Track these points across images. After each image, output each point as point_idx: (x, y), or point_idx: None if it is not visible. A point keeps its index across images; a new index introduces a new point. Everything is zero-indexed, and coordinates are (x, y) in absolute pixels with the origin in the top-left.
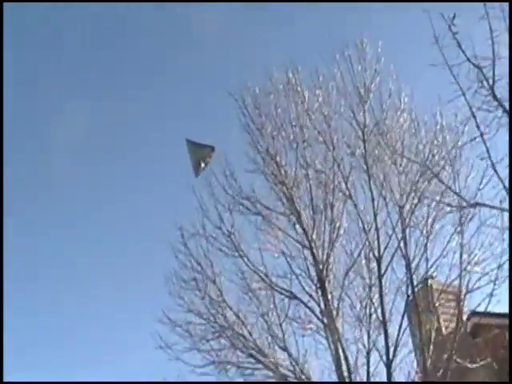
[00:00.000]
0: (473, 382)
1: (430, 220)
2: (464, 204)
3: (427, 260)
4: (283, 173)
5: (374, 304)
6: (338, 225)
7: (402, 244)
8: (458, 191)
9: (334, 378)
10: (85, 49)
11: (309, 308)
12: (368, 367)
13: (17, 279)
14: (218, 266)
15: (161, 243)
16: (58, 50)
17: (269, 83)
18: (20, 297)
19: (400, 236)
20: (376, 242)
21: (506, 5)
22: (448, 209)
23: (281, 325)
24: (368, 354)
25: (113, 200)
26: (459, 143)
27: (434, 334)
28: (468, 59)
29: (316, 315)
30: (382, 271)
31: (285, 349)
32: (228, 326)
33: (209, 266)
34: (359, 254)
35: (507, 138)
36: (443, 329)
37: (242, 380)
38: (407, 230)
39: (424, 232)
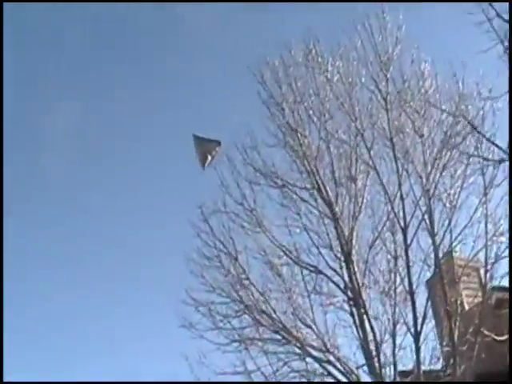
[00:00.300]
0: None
1: (454, 190)
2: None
3: (451, 231)
4: (305, 146)
5: (400, 274)
6: (361, 197)
7: (426, 216)
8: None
9: (360, 354)
10: (84, 49)
11: (333, 282)
12: (394, 340)
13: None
14: (240, 243)
15: (182, 222)
16: (56, 49)
17: (288, 56)
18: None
19: (424, 208)
20: (401, 212)
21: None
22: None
23: (308, 299)
24: (394, 327)
25: (134, 178)
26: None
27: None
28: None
29: (341, 289)
30: (408, 241)
31: (310, 325)
32: (252, 304)
33: (231, 243)
34: (384, 225)
35: None
36: (465, 303)
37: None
38: (431, 201)
39: (448, 203)
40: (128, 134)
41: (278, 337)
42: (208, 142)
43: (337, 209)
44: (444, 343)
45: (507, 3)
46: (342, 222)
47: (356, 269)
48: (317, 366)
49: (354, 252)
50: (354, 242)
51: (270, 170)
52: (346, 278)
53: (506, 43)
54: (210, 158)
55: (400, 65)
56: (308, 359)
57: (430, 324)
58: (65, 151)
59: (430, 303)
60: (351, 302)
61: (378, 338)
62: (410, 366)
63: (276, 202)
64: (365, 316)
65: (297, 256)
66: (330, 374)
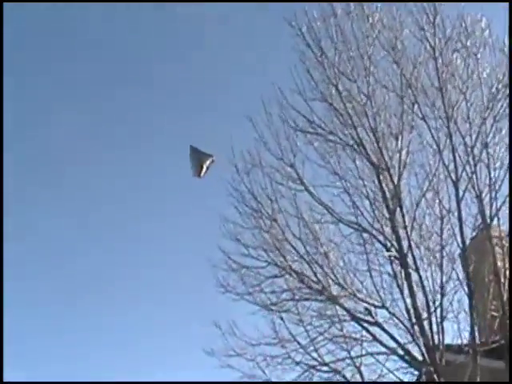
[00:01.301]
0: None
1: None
2: None
3: (496, 198)
4: (347, 100)
5: (453, 232)
6: (406, 153)
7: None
8: None
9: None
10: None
11: (379, 241)
12: (441, 301)
13: None
14: (278, 203)
15: (215, 180)
16: (57, 49)
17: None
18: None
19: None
20: (452, 164)
21: None
22: None
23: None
24: (442, 288)
25: (168, 136)
26: None
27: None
28: None
29: (387, 248)
30: (460, 195)
31: (352, 287)
32: (288, 267)
33: (268, 203)
34: (431, 180)
35: None
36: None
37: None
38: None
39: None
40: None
41: (317, 302)
42: (203, 154)
43: (381, 165)
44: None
45: (507, 3)
46: (387, 179)
47: (402, 227)
48: (357, 333)
49: (399, 210)
50: (399, 198)
51: (310, 125)
52: (391, 237)
53: None
54: (205, 168)
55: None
56: (348, 325)
57: None
58: None
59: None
60: (397, 262)
61: (429, 299)
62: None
63: (314, 163)
64: (413, 277)
65: (339, 214)
66: (374, 339)
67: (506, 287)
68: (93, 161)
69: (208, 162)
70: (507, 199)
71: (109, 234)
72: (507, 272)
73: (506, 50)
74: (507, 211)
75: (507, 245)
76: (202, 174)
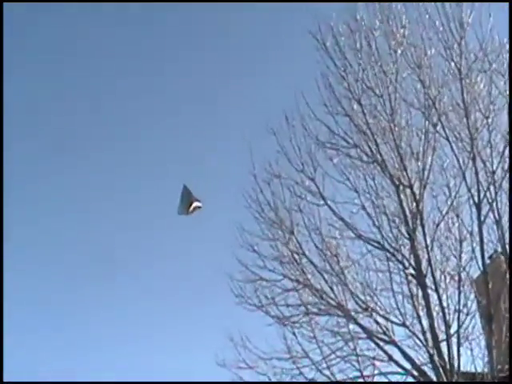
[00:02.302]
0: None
1: None
2: None
3: None
4: (369, 116)
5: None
6: (428, 172)
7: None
8: None
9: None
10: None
11: (398, 260)
12: (459, 324)
13: None
14: (296, 217)
15: (233, 191)
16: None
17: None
18: None
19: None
20: (476, 186)
21: None
22: None
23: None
24: (459, 311)
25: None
26: None
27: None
28: None
29: (405, 267)
30: (483, 218)
31: (368, 307)
32: (307, 281)
33: (287, 216)
34: (452, 202)
35: None
36: None
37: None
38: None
39: None
40: None
41: (332, 318)
42: (193, 196)
43: (403, 182)
44: None
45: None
46: (407, 197)
47: (422, 247)
48: (370, 351)
49: (420, 229)
50: (421, 218)
51: (333, 137)
52: (409, 256)
53: None
54: (193, 206)
55: (475, 32)
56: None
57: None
58: None
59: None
60: (415, 281)
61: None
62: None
63: (334, 179)
64: (431, 298)
65: (358, 231)
66: (390, 358)
67: None
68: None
69: (197, 204)
70: None
71: (121, 241)
72: None
73: None
74: None
75: None
76: (191, 209)
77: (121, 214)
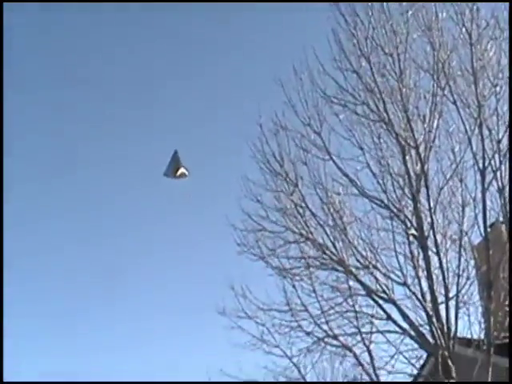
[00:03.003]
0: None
1: None
2: None
3: None
4: (377, 75)
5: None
6: (434, 135)
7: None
8: None
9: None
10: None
11: (400, 220)
12: (458, 288)
13: None
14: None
15: (239, 141)
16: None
17: None
18: None
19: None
20: (481, 153)
21: None
22: None
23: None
24: (458, 276)
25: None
26: None
27: None
28: None
29: (407, 227)
30: (486, 185)
31: (370, 264)
32: (309, 235)
33: (291, 168)
34: (457, 166)
35: None
36: None
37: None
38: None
39: None
40: None
41: (332, 274)
42: (181, 163)
43: (410, 143)
44: None
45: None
46: (412, 158)
47: (426, 209)
48: (369, 309)
49: (425, 191)
50: (425, 179)
51: (342, 92)
52: (412, 217)
53: None
54: (180, 172)
55: None
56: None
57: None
58: None
59: None
60: (416, 243)
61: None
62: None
63: (339, 135)
64: (432, 261)
65: (362, 188)
66: (389, 317)
67: None
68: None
69: (183, 170)
70: None
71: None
72: None
73: None
74: None
75: None
76: (176, 175)
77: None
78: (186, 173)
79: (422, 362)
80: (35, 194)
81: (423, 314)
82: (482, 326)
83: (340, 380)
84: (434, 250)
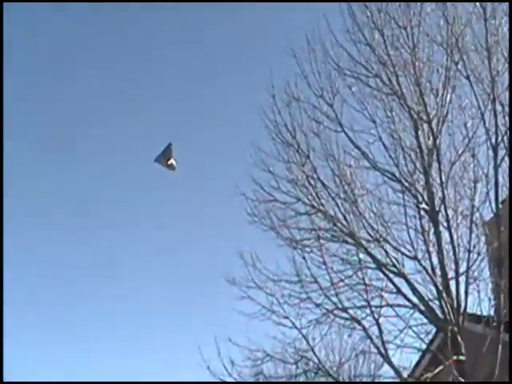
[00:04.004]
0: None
1: None
2: None
3: None
4: (390, 48)
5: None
6: (447, 109)
7: None
8: None
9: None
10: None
11: (412, 194)
12: (468, 263)
13: None
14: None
15: (251, 111)
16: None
17: None
18: None
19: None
20: (494, 128)
21: None
22: None
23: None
24: (469, 251)
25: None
26: None
27: None
28: None
29: (418, 201)
30: (499, 161)
31: (381, 238)
32: (320, 206)
33: (303, 139)
34: (469, 142)
35: None
36: None
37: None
38: None
39: None
40: None
41: (343, 246)
42: (172, 155)
43: (422, 117)
44: None
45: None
46: (425, 132)
47: (437, 183)
48: (379, 282)
49: (437, 165)
50: (438, 154)
51: (355, 65)
52: (423, 191)
53: None
54: (169, 162)
55: None
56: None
57: None
58: None
59: None
60: (427, 217)
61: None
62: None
63: (352, 107)
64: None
65: (374, 161)
66: (399, 291)
67: None
68: None
69: (173, 161)
70: None
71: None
72: None
73: None
74: None
75: None
76: (165, 164)
77: None
78: (175, 165)
79: (430, 336)
80: (33, 191)
81: (433, 289)
82: (492, 302)
83: (348, 352)
84: (445, 224)
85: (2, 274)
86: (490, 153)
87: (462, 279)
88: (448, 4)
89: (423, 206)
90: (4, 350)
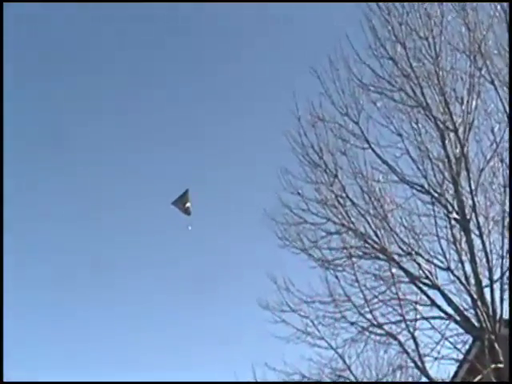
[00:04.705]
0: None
1: None
2: None
3: None
4: (413, 60)
5: None
6: (473, 116)
7: None
8: None
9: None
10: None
11: (442, 204)
12: (502, 269)
13: None
14: (340, 160)
15: (277, 134)
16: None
17: None
18: None
19: None
20: None
21: None
22: None
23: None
24: (502, 258)
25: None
26: None
27: None
28: None
29: (448, 211)
30: None
31: (412, 251)
32: (351, 224)
33: (330, 159)
34: (496, 149)
35: None
36: None
37: None
38: None
39: None
40: None
41: (375, 262)
42: (189, 200)
43: (449, 126)
44: None
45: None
46: (451, 141)
47: (467, 191)
48: (413, 296)
49: (465, 173)
50: (466, 162)
51: (378, 80)
52: (453, 201)
53: None
54: (186, 206)
55: None
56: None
57: None
58: None
59: None
60: (458, 226)
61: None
62: None
63: (377, 122)
64: (475, 243)
65: (402, 174)
66: (433, 303)
67: None
68: None
69: (189, 205)
70: None
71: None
72: None
73: None
74: None
75: None
76: (181, 207)
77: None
78: (191, 210)
79: (467, 346)
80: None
81: (468, 298)
82: None
83: (385, 368)
84: (477, 232)
85: (2, 274)
86: None
87: (497, 286)
88: (469, 10)
89: (454, 215)
90: (4, 350)
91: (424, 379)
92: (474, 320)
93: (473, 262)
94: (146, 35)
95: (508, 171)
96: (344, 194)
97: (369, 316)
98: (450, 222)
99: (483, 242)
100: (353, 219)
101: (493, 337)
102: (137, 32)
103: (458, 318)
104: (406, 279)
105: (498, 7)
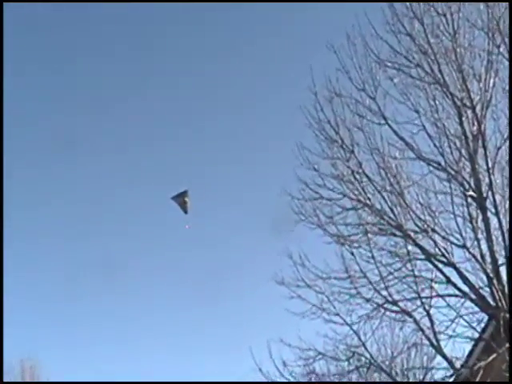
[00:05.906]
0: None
1: None
2: None
3: None
4: (431, 36)
5: None
6: (490, 93)
7: None
8: None
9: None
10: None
11: (458, 182)
12: None
13: None
14: (357, 135)
15: (293, 109)
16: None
17: None
18: None
19: None
20: None
21: None
22: None
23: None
24: None
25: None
26: None
27: None
28: None
29: (465, 189)
30: None
31: (429, 228)
32: (367, 201)
33: (347, 134)
34: None
35: None
36: None
37: None
38: None
39: None
40: None
41: (391, 239)
42: (187, 196)
43: (466, 103)
44: None
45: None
46: (469, 118)
47: (484, 169)
48: (429, 273)
49: (482, 151)
50: (483, 139)
51: (395, 56)
52: (469, 179)
53: None
54: (185, 203)
55: None
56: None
57: None
58: None
59: None
60: (475, 204)
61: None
62: None
63: (394, 98)
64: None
65: (419, 151)
66: (449, 281)
67: None
68: None
69: (187, 203)
70: None
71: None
72: None
73: None
74: None
75: None
76: (182, 203)
77: None
78: (188, 208)
79: (482, 325)
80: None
81: (483, 277)
82: None
83: (400, 346)
84: (493, 210)
85: (2, 275)
86: None
87: None
88: None
89: (470, 193)
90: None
91: (439, 357)
92: (489, 298)
93: (489, 240)
94: (146, 31)
95: None
96: (360, 170)
97: (384, 293)
98: (466, 200)
99: (499, 221)
100: (369, 195)
101: (508, 315)
102: (137, 30)
103: (473, 296)
104: (422, 256)
105: None
